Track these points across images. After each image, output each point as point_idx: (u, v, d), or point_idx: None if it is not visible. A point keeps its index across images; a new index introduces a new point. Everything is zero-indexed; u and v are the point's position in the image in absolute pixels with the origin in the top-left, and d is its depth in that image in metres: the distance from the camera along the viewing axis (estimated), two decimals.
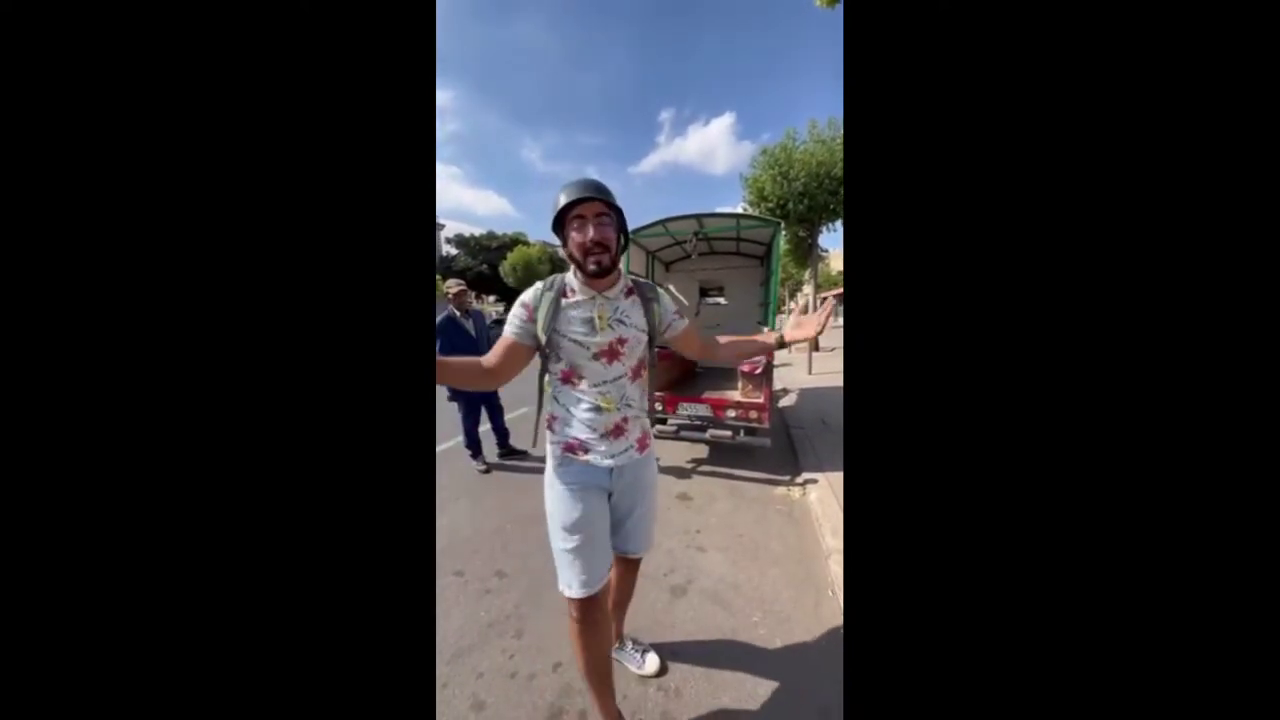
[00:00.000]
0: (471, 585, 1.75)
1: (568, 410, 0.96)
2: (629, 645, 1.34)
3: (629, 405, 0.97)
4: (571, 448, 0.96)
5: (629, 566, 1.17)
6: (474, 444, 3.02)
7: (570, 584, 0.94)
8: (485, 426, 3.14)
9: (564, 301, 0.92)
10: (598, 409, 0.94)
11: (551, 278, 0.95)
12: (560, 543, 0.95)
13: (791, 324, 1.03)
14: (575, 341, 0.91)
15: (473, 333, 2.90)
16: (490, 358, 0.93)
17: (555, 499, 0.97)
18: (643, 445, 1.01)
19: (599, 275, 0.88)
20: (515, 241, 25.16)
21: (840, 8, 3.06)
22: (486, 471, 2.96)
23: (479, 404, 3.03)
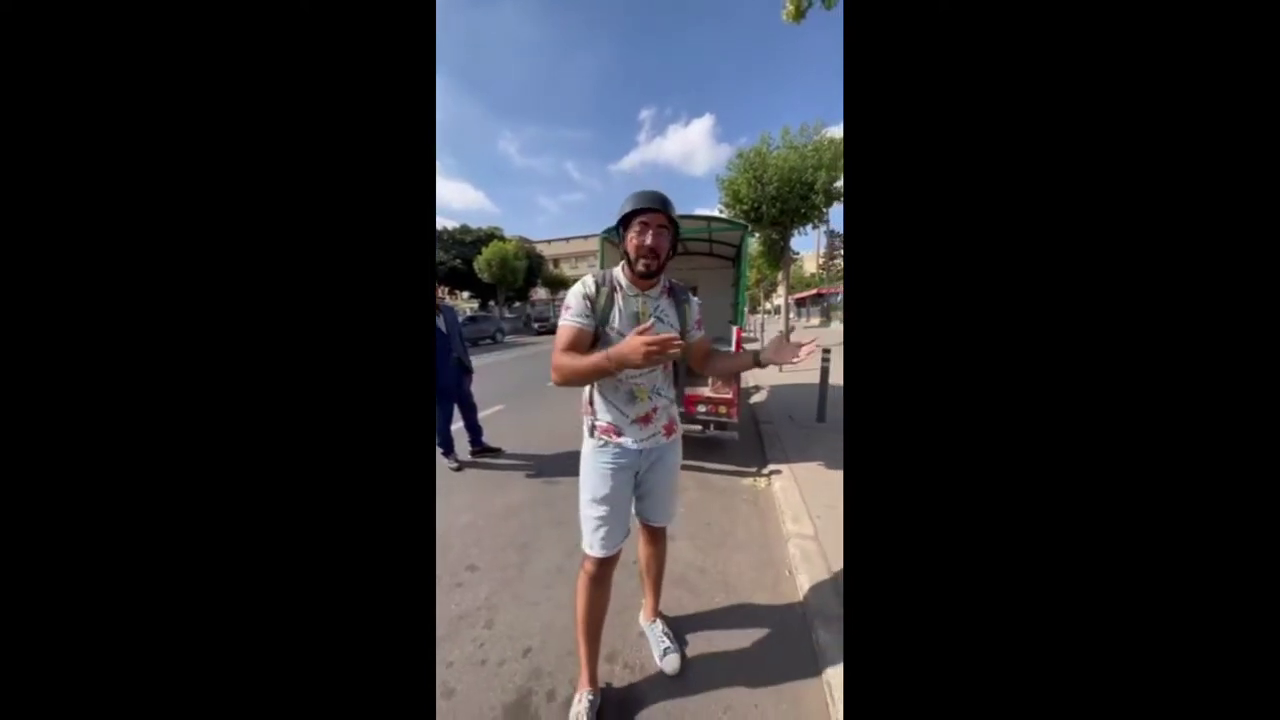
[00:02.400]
0: (442, 579, 1.76)
1: (605, 397, 1.10)
2: (659, 626, 1.41)
3: (659, 394, 1.12)
4: (608, 430, 1.10)
5: (653, 536, 1.32)
6: (446, 441, 2.99)
7: (593, 545, 1.12)
8: (458, 424, 3.11)
9: (616, 297, 1.05)
10: (633, 398, 1.09)
11: (601, 272, 1.08)
12: (589, 510, 1.12)
13: (772, 349, 1.03)
14: (621, 335, 1.01)
15: (444, 329, 2.87)
16: (570, 349, 1.00)
17: (589, 473, 1.13)
18: (669, 430, 1.16)
19: (645, 277, 1.02)
20: (491, 236, 24.53)
21: (807, 21, 3.19)
22: (459, 469, 2.94)
23: (451, 401, 3.00)
